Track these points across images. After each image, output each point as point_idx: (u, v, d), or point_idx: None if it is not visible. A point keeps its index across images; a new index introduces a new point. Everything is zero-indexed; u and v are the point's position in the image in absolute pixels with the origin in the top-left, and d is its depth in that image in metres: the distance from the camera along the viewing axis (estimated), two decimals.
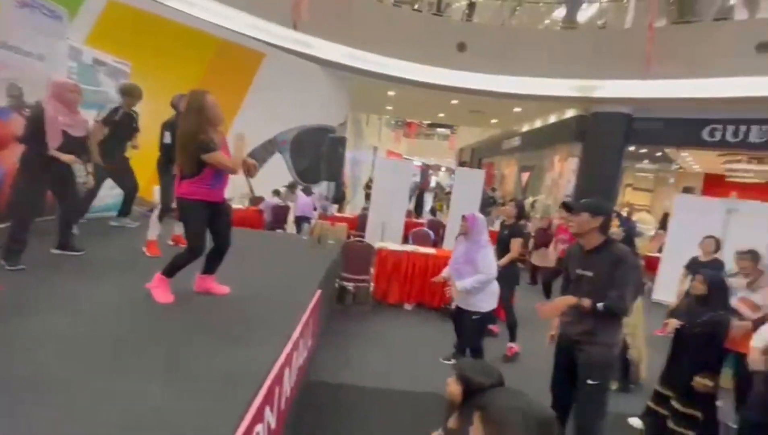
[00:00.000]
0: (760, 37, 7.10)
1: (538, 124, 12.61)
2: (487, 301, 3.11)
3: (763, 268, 3.18)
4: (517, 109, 11.30)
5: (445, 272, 3.36)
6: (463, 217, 3.20)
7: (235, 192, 7.07)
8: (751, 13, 7.94)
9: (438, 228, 7.14)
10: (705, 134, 8.52)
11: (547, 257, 5.97)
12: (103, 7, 5.57)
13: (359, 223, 7.08)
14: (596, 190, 9.37)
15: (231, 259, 2.57)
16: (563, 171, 11.81)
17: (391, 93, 11.10)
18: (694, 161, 11.32)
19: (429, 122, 23.21)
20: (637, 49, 7.74)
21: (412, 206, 11.88)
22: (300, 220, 6.46)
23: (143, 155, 3.76)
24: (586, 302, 2.01)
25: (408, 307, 4.84)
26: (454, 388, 1.48)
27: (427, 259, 4.76)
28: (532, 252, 6.13)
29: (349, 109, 11.52)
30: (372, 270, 4.64)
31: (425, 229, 6.22)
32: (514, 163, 16.31)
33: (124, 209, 3.89)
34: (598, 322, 2.06)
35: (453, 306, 3.34)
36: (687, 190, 12.19)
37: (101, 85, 4.24)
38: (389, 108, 14.61)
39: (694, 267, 4.09)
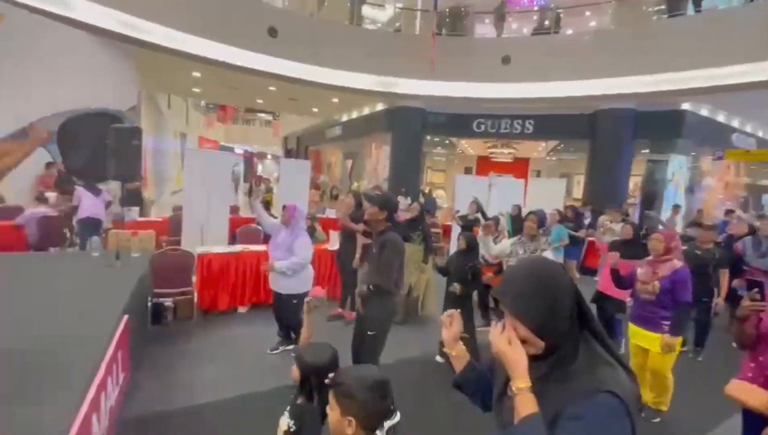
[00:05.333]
0: (504, 51, 9.47)
1: (355, 114, 13.55)
2: (302, 283, 3.41)
3: (501, 228, 4.48)
4: (335, 100, 11.82)
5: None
6: (284, 206, 3.44)
7: None
8: (498, 32, 10.49)
9: None
10: (474, 126, 10.96)
11: None
12: None
13: (171, 227, 6.16)
14: (405, 173, 10.92)
15: None
16: (380, 158, 13.17)
17: (196, 74, 9.87)
18: (469, 147, 14.39)
19: (247, 107, 21.75)
20: (424, 52, 9.19)
21: (241, 201, 11.04)
22: (87, 227, 5.07)
23: None
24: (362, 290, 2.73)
25: (243, 309, 4.60)
26: (295, 373, 1.61)
27: (259, 256, 4.60)
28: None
29: (142, 89, 9.70)
30: (194, 279, 4.18)
31: (254, 225, 5.91)
32: (339, 150, 17.13)
33: None
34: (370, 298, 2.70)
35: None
36: (467, 169, 15.46)
37: None
38: (197, 90, 12.97)
39: (468, 224, 5.41)
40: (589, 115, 9.66)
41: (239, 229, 5.59)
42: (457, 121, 11.00)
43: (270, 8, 9.12)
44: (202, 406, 2.84)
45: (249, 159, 23.58)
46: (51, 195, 5.40)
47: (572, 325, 0.86)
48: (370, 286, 2.64)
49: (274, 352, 3.61)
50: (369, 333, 2.68)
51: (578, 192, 11.47)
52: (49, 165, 6.25)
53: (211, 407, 2.84)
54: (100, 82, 7.19)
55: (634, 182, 10.54)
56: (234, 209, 7.55)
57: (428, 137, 11.81)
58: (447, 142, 13.69)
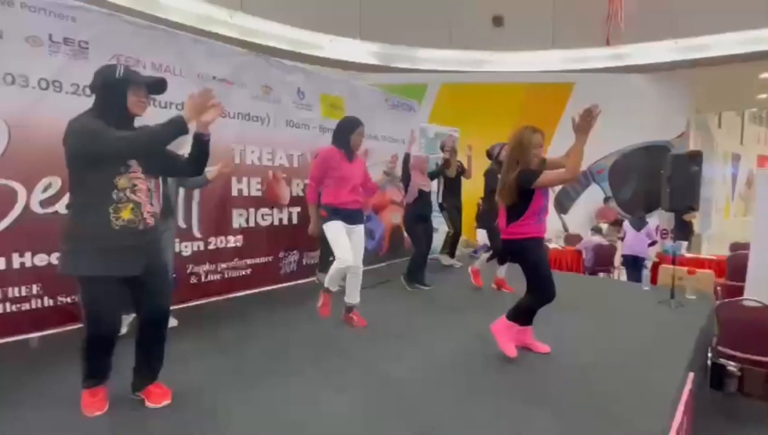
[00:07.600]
0: None
1: None
2: None
3: None
4: None
5: None
6: None
7: (550, 232, 6.82)
8: None
9: None
10: None
11: None
12: (438, 90, 7.15)
13: (730, 269, 4.95)
14: None
15: (554, 310, 2.24)
16: None
17: (764, 75, 7.70)
18: None
19: None
20: None
21: None
22: (628, 260, 5.21)
23: (467, 201, 4.44)
24: None
25: None
26: None
27: None
28: None
29: (691, 113, 8.90)
30: None
31: None
32: None
33: (453, 250, 4.49)
34: None
35: None
36: None
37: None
38: (762, 96, 10.14)
39: None
40: None
41: None
42: None
43: None
44: None
45: None
46: (604, 226, 6.08)
47: None
48: None
49: None
50: None
51: None
52: (606, 199, 7.19)
53: None
54: (646, 117, 7.34)
55: None
56: None
57: None
58: None
